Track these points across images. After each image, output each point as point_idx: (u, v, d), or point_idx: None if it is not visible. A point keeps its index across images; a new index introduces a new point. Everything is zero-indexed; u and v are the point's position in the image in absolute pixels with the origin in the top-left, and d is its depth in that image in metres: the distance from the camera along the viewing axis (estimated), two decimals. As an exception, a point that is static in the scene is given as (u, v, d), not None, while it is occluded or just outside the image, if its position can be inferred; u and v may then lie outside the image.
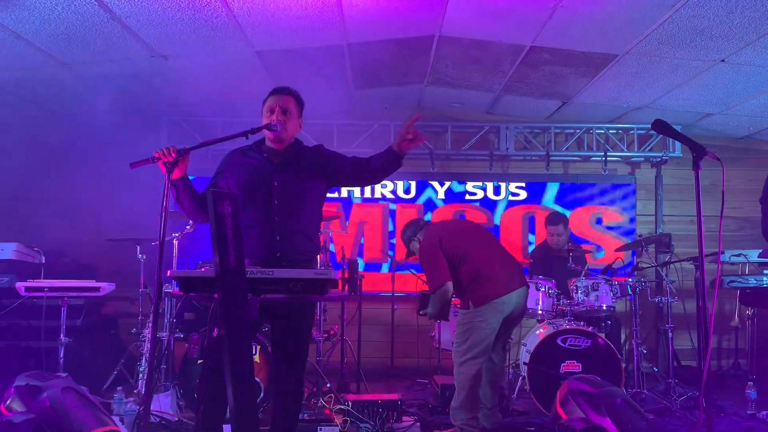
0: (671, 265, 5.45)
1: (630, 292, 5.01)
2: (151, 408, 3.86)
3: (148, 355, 4.42)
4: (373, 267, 6.67)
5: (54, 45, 4.57)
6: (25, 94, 5.63)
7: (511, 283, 3.90)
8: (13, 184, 6.32)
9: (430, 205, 6.73)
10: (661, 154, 6.65)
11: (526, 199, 6.72)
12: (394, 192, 6.76)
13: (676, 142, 6.63)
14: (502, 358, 4.20)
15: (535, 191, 6.73)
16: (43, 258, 5.59)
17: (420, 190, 6.75)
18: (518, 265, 4.13)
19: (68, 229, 6.22)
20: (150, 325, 4.53)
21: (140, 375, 4.51)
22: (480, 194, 6.74)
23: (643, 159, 6.83)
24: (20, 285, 4.53)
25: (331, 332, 5.28)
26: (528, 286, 4.13)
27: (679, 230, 6.61)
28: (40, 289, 4.51)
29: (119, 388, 4.37)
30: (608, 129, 6.77)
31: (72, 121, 6.12)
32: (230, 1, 4.04)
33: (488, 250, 4.05)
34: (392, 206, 6.75)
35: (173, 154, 2.68)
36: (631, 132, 6.74)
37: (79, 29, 4.32)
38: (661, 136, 6.68)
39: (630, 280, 5.05)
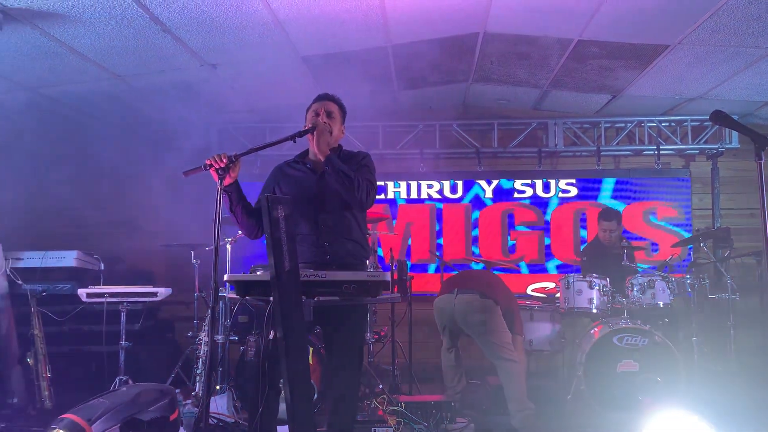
0: (731, 261, 5.27)
1: (688, 289, 4.86)
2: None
3: (205, 357, 4.52)
4: (421, 268, 6.65)
5: (108, 58, 4.72)
6: (82, 107, 5.83)
7: (445, 289, 4.65)
8: (72, 194, 6.54)
9: (477, 204, 6.67)
10: (717, 146, 6.43)
11: (576, 195, 6.59)
12: (440, 192, 6.73)
13: (733, 132, 6.42)
14: (498, 366, 4.32)
15: (586, 187, 6.60)
16: (102, 265, 5.78)
17: (467, 189, 6.71)
18: (470, 276, 4.87)
19: (125, 236, 6.42)
20: (206, 328, 4.63)
21: (197, 377, 4.61)
22: (529, 192, 6.64)
23: (698, 151, 6.62)
24: (82, 291, 4.68)
25: (382, 333, 5.30)
26: (466, 290, 4.47)
27: (737, 224, 6.39)
28: (101, 295, 4.66)
29: (177, 390, 4.47)
30: (660, 122, 6.58)
31: (126, 132, 6.30)
32: (276, 9, 4.10)
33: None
34: (439, 206, 6.72)
35: (224, 161, 2.74)
36: (685, 124, 6.54)
37: (132, 42, 4.45)
38: (716, 127, 6.48)
39: (687, 276, 4.90)
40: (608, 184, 6.57)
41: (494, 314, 4.33)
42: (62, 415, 3.27)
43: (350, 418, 3.13)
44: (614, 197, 6.55)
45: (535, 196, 6.63)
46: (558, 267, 6.52)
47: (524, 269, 6.53)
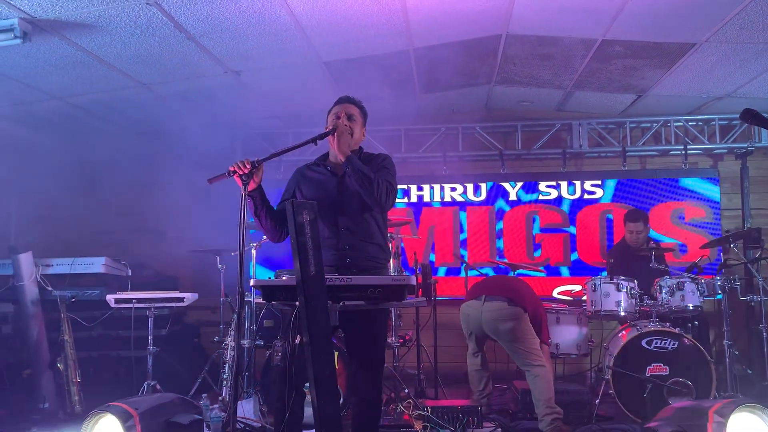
0: (762, 261, 5.16)
1: (718, 291, 4.77)
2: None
3: (231, 362, 4.54)
4: (445, 271, 6.63)
5: (134, 67, 4.79)
6: (108, 115, 5.91)
7: (472, 294, 4.62)
8: (100, 201, 6.65)
9: (501, 206, 6.63)
10: (746, 145, 6.31)
11: (602, 197, 6.52)
12: (464, 194, 6.70)
13: (762, 131, 6.31)
14: (526, 372, 4.27)
15: (612, 188, 6.52)
16: (130, 271, 5.85)
17: (491, 191, 6.67)
18: (498, 282, 4.77)
19: (151, 243, 6.50)
20: (232, 333, 4.66)
21: (224, 382, 4.63)
22: (554, 194, 6.58)
23: (726, 150, 6.50)
24: (110, 297, 4.75)
25: (407, 337, 5.28)
26: (494, 297, 4.42)
27: (768, 224, 6.27)
28: (129, 300, 4.72)
29: (204, 395, 4.50)
30: (687, 121, 6.48)
31: (152, 139, 6.39)
32: (299, 15, 4.12)
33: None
34: (463, 209, 6.69)
35: (248, 167, 2.74)
36: (713, 123, 6.44)
37: (157, 50, 4.50)
38: (744, 125, 6.36)
39: (717, 278, 4.81)
40: (634, 185, 6.47)
41: (523, 321, 4.28)
42: (109, 403, 3.37)
43: (374, 422, 3.12)
44: (640, 198, 6.45)
45: (560, 198, 6.57)
46: (584, 269, 6.44)
47: (550, 272, 6.47)
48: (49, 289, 5.34)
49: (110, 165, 6.39)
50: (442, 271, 6.61)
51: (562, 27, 4.63)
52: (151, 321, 4.75)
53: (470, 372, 4.74)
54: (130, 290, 5.46)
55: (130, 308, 4.74)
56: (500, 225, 6.61)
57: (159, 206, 6.30)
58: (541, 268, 6.17)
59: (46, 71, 4.73)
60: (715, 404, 3.41)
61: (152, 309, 4.75)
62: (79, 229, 6.72)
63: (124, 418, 3.32)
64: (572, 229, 6.52)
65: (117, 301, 4.73)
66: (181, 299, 4.76)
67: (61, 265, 5.62)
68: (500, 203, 6.64)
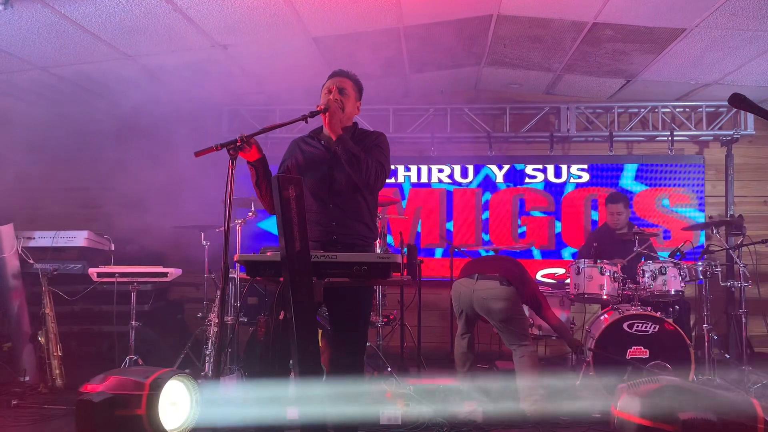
0: (744, 248, 5.21)
1: (700, 276, 4.82)
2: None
3: (214, 339, 4.53)
4: (430, 252, 6.64)
5: (118, 38, 4.70)
6: (92, 87, 5.81)
7: (465, 272, 4.56)
8: (83, 175, 6.57)
9: (488, 188, 6.62)
10: (731, 132, 6.35)
11: (588, 181, 6.54)
12: (451, 176, 6.69)
13: (748, 119, 6.34)
14: (513, 351, 4.32)
15: (598, 173, 6.54)
16: (113, 245, 5.79)
17: (478, 173, 6.66)
18: (492, 261, 4.68)
19: (135, 217, 6.43)
20: (216, 309, 4.65)
21: (207, 358, 4.63)
22: (540, 177, 6.59)
23: (712, 138, 6.53)
24: (92, 271, 4.70)
25: (391, 317, 5.29)
26: (487, 276, 4.39)
27: (751, 211, 6.33)
28: (112, 275, 4.67)
29: (187, 370, 4.49)
30: (675, 107, 6.50)
31: (137, 112, 6.29)
32: (288, -12, 4.06)
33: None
34: (449, 190, 6.68)
35: (238, 142, 2.71)
36: (700, 110, 6.46)
37: (142, 21, 4.42)
38: (732, 113, 6.40)
39: (699, 263, 4.86)
40: (620, 170, 6.50)
41: (515, 302, 4.30)
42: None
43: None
44: (625, 183, 6.48)
45: (546, 182, 6.58)
46: (569, 253, 6.48)
47: (534, 255, 6.50)
48: (31, 262, 5.28)
49: (94, 137, 6.29)
50: (427, 252, 6.61)
51: (553, 8, 4.60)
52: (133, 296, 4.72)
53: (457, 354, 4.74)
54: (114, 265, 5.41)
55: (113, 282, 4.71)
56: (486, 207, 6.62)
57: (144, 181, 6.23)
58: (525, 250, 6.20)
59: (28, 40, 4.63)
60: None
61: (135, 284, 4.72)
62: (63, 202, 6.63)
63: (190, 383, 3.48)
64: (558, 213, 6.54)
65: (99, 275, 4.69)
66: (165, 274, 4.72)
67: (43, 238, 5.56)
68: (487, 185, 6.64)
